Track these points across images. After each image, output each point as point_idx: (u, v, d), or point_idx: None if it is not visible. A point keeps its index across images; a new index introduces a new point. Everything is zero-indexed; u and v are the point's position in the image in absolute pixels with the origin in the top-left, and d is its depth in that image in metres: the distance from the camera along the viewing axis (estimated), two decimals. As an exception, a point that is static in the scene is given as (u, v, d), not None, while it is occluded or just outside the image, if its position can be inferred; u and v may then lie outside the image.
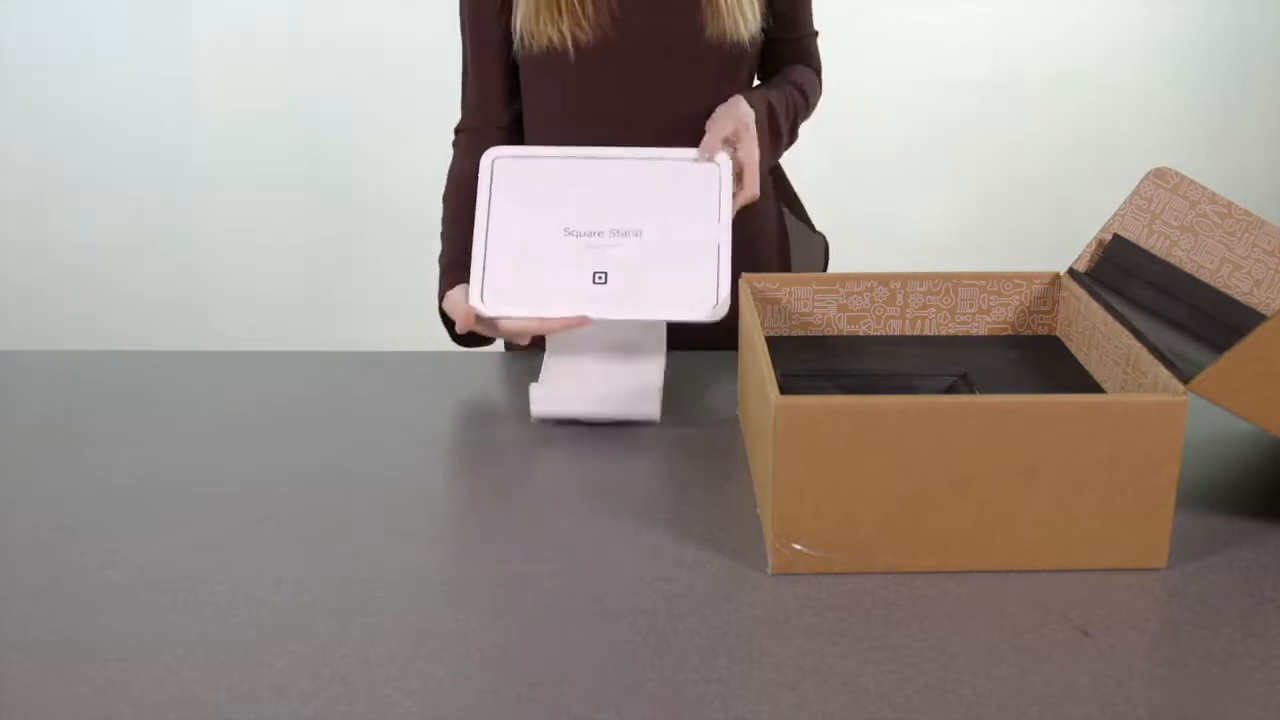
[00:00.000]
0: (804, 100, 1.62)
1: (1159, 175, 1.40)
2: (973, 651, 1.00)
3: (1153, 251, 1.39)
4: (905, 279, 1.44)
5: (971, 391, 1.32)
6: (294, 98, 3.26)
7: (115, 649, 1.00)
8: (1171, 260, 1.39)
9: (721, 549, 1.14)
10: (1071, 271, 1.42)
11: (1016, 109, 3.30)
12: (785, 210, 1.72)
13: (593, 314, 1.36)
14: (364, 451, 1.35)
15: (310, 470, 1.31)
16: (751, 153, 1.45)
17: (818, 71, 1.68)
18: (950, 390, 1.34)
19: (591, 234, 1.39)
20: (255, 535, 1.18)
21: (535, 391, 1.36)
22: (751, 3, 1.52)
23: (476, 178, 1.44)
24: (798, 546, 1.09)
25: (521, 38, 1.52)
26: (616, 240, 1.39)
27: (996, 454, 1.07)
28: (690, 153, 1.44)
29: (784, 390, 1.08)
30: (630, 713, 0.92)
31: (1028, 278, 1.44)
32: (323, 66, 3.24)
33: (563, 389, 1.36)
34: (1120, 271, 1.39)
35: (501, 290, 1.37)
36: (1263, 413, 1.10)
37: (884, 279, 1.43)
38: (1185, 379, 1.09)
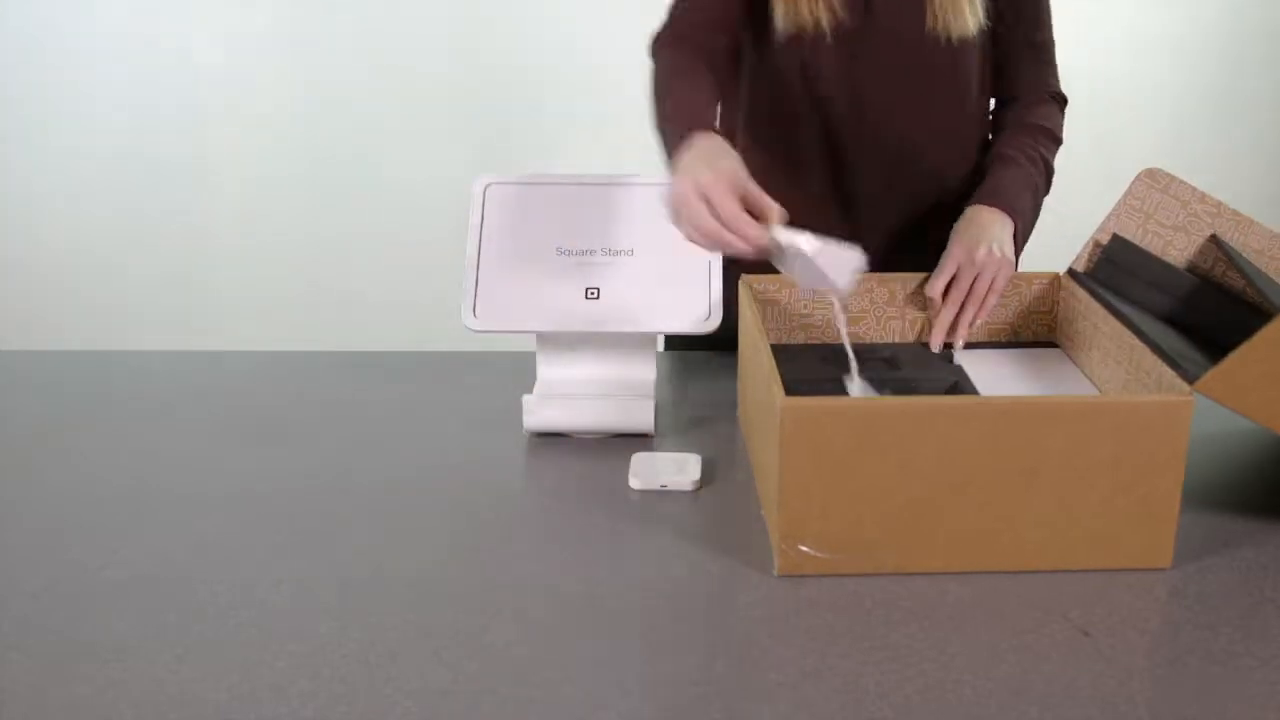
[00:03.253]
0: (1048, 162, 1.56)
1: (1150, 176, 1.40)
2: (973, 651, 1.00)
3: (1149, 251, 1.40)
4: (905, 280, 1.43)
5: (974, 392, 1.32)
6: (294, 98, 3.26)
7: (115, 649, 1.00)
8: (1167, 259, 1.39)
9: (721, 549, 1.14)
10: (1071, 272, 1.42)
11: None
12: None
13: (585, 328, 1.36)
14: (364, 451, 1.35)
15: (310, 470, 1.31)
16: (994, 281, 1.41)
17: (1057, 98, 1.61)
18: (952, 391, 1.34)
19: (583, 253, 1.40)
20: (255, 535, 1.18)
21: (528, 404, 1.36)
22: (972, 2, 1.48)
23: (693, 67, 1.43)
24: (804, 548, 1.09)
25: (781, 18, 1.48)
26: (608, 259, 1.39)
27: (1002, 455, 1.07)
28: None
29: (787, 394, 1.08)
30: (630, 713, 0.92)
31: (1027, 278, 1.44)
32: (323, 67, 3.24)
33: (555, 403, 1.37)
34: (1120, 271, 1.39)
35: (493, 306, 1.37)
36: (1267, 412, 1.10)
37: (884, 279, 1.43)
38: (1190, 379, 1.08)
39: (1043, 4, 1.59)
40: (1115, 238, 1.40)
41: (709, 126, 1.33)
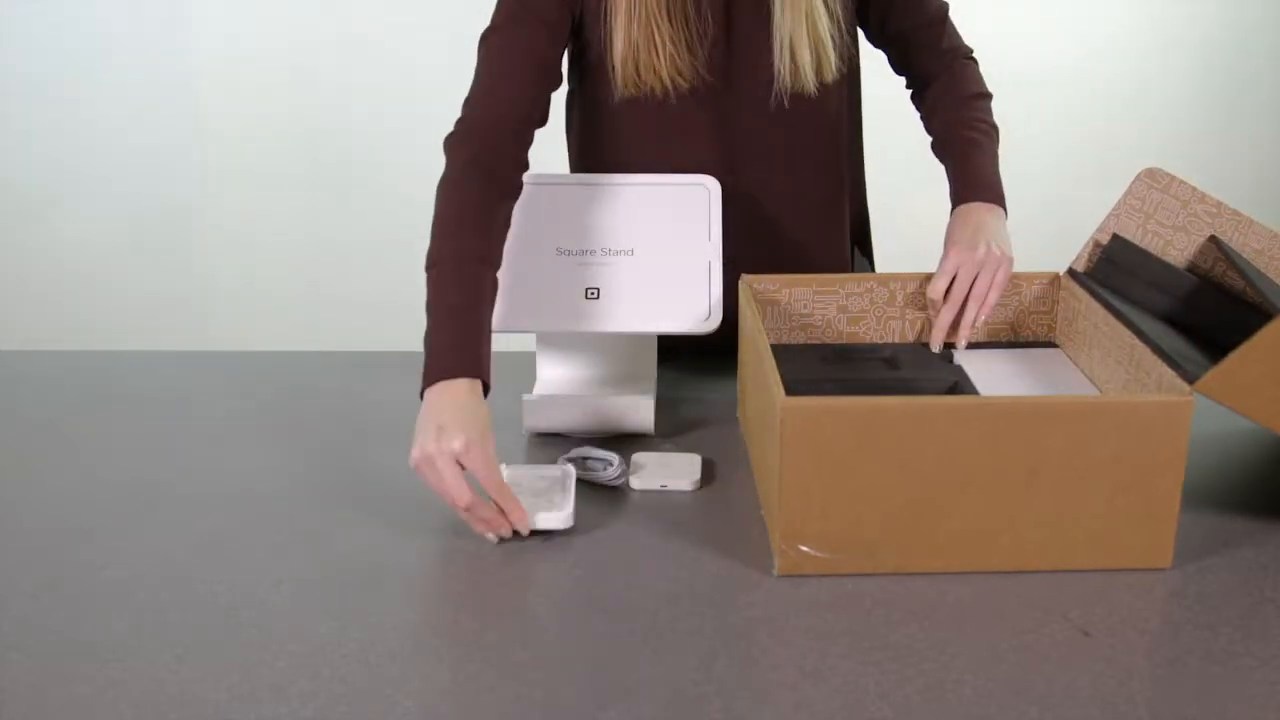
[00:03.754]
0: (995, 126, 1.54)
1: (1150, 176, 1.40)
2: (973, 651, 1.00)
3: (1149, 251, 1.40)
4: (905, 279, 1.43)
5: (974, 392, 1.32)
6: (294, 98, 3.26)
7: (115, 649, 1.00)
8: (1167, 259, 1.39)
9: (721, 549, 1.14)
10: (1071, 271, 1.42)
11: (1015, 109, 3.29)
12: (856, 249, 1.69)
13: (585, 328, 1.36)
14: (364, 451, 1.35)
15: (310, 470, 1.31)
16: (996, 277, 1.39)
17: (967, 56, 1.58)
18: (952, 391, 1.34)
19: (583, 253, 1.40)
20: (255, 535, 1.18)
21: (528, 404, 1.36)
22: (826, 46, 1.43)
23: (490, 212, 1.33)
24: (804, 548, 1.09)
25: (621, 76, 1.41)
26: (608, 259, 1.39)
27: (1002, 455, 1.07)
28: (679, 177, 1.44)
29: (787, 393, 1.08)
30: (630, 713, 0.92)
31: (1027, 278, 1.44)
32: (323, 67, 3.24)
33: (555, 403, 1.37)
34: (1120, 271, 1.39)
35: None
36: (1267, 412, 1.09)
37: (884, 279, 1.43)
38: (1191, 379, 1.08)
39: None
40: (1115, 238, 1.40)
41: (473, 370, 1.21)
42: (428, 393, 1.21)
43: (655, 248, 1.39)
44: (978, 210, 1.44)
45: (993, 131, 1.54)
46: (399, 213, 3.34)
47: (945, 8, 1.57)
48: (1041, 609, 1.05)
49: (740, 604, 1.06)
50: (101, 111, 3.26)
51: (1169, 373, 1.12)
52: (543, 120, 1.42)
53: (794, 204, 1.53)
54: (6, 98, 3.26)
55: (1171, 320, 1.34)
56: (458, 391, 1.19)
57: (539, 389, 1.41)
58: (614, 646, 1.00)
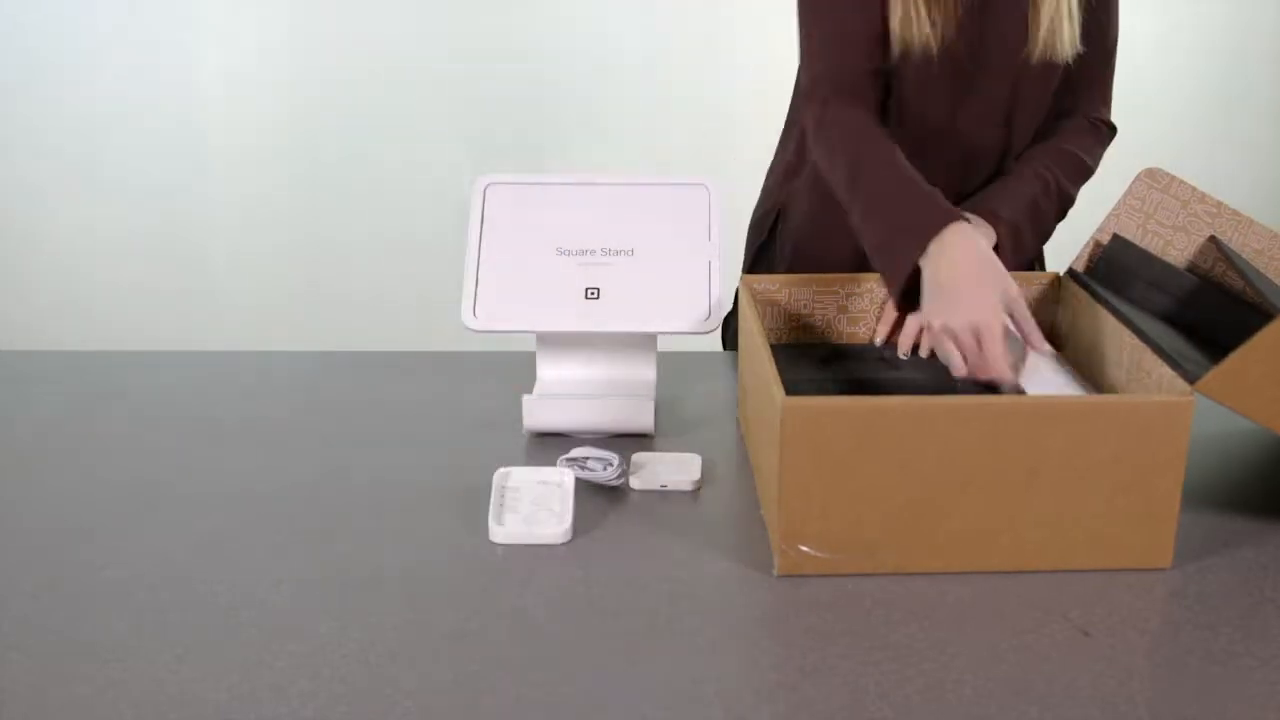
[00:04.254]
0: (1061, 186, 1.52)
1: (1150, 176, 1.40)
2: (973, 651, 1.00)
3: (1149, 251, 1.40)
4: (905, 279, 1.43)
5: (976, 392, 1.32)
6: (295, 99, 3.26)
7: (115, 649, 1.00)
8: (1167, 260, 1.39)
9: (721, 549, 1.14)
10: (1071, 272, 1.42)
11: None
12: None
13: (585, 328, 1.36)
14: (364, 451, 1.35)
15: (310, 470, 1.31)
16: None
17: (1109, 123, 1.60)
18: (953, 391, 1.34)
19: (583, 253, 1.40)
20: (255, 535, 1.18)
21: (528, 404, 1.36)
22: (1072, 23, 1.46)
23: (868, 131, 1.42)
24: (804, 548, 1.09)
25: (900, 35, 1.43)
26: (608, 259, 1.39)
27: (1002, 454, 1.07)
28: (679, 177, 1.44)
29: (787, 393, 1.08)
30: (630, 713, 0.92)
31: (1027, 278, 1.44)
32: (324, 68, 3.24)
33: (555, 403, 1.37)
34: (1120, 272, 1.39)
35: (492, 306, 1.37)
36: (1267, 413, 1.09)
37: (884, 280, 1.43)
38: (1191, 379, 1.08)
39: (1113, 27, 1.57)
40: (1115, 238, 1.40)
41: (954, 215, 1.31)
42: (932, 250, 1.29)
43: (655, 248, 1.39)
44: (959, 239, 1.33)
45: (1050, 184, 1.50)
46: (399, 213, 3.35)
47: (1113, 70, 1.60)
48: (1041, 609, 1.05)
49: (740, 604, 1.06)
50: (101, 112, 3.26)
51: (1169, 373, 1.12)
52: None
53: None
54: (6, 97, 3.26)
55: (1171, 320, 1.34)
56: (958, 244, 1.30)
57: (539, 389, 1.41)
58: (614, 646, 1.00)
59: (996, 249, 1.41)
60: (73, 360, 1.63)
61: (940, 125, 1.49)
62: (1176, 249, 1.40)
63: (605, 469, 1.26)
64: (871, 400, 1.07)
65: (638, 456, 1.30)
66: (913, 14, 1.41)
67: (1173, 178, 1.39)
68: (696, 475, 1.27)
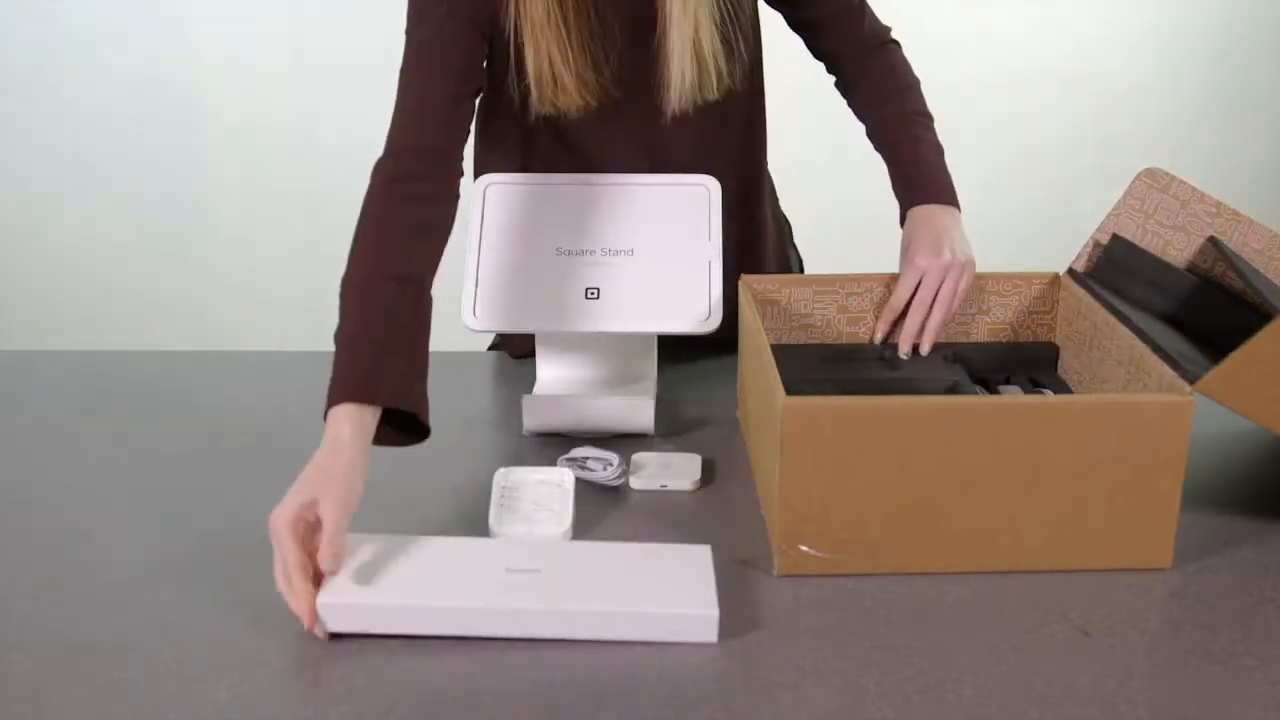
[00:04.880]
0: (929, 112, 1.52)
1: (1150, 175, 1.40)
2: (973, 651, 1.00)
3: (1148, 251, 1.40)
4: (906, 279, 1.43)
5: (974, 392, 1.32)
6: (296, 98, 3.27)
7: (115, 649, 1.00)
8: (1167, 259, 1.40)
9: (721, 549, 1.14)
10: (1071, 272, 1.42)
11: (1015, 109, 3.30)
12: (791, 250, 1.71)
13: (585, 328, 1.36)
14: (364, 451, 1.35)
15: (310, 470, 1.31)
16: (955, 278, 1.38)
17: (886, 39, 1.54)
18: (953, 391, 1.34)
19: (583, 253, 1.40)
20: (255, 535, 1.18)
21: (528, 404, 1.36)
22: (717, 57, 1.40)
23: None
24: (804, 548, 1.09)
25: (532, 97, 1.38)
26: (608, 258, 1.39)
27: (1002, 454, 1.07)
28: (679, 177, 1.44)
29: (787, 393, 1.08)
30: (630, 713, 0.92)
31: (1027, 278, 1.44)
32: (324, 69, 3.24)
33: (555, 403, 1.37)
34: (1120, 271, 1.39)
35: (493, 306, 1.37)
36: (1267, 413, 1.09)
37: (884, 280, 1.43)
38: (1191, 379, 1.08)
39: None
40: (1115, 238, 1.40)
41: (368, 398, 1.12)
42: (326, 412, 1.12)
43: (655, 248, 1.39)
44: (935, 214, 1.43)
45: (931, 123, 1.52)
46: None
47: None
48: (1041, 609, 1.05)
49: (740, 603, 1.06)
50: (102, 112, 3.26)
51: (1169, 373, 1.12)
52: (469, 117, 1.37)
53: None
54: (7, 97, 3.26)
55: (1171, 320, 1.34)
56: (337, 425, 1.10)
57: (539, 389, 1.41)
58: (614, 646, 1.00)
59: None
60: (73, 360, 1.63)
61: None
62: (1176, 249, 1.40)
63: (605, 469, 1.26)
64: (871, 400, 1.07)
65: (638, 456, 1.30)
66: (547, 79, 1.36)
67: (1172, 178, 1.39)
68: (696, 475, 1.27)
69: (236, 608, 1.06)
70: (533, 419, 1.37)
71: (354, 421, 1.11)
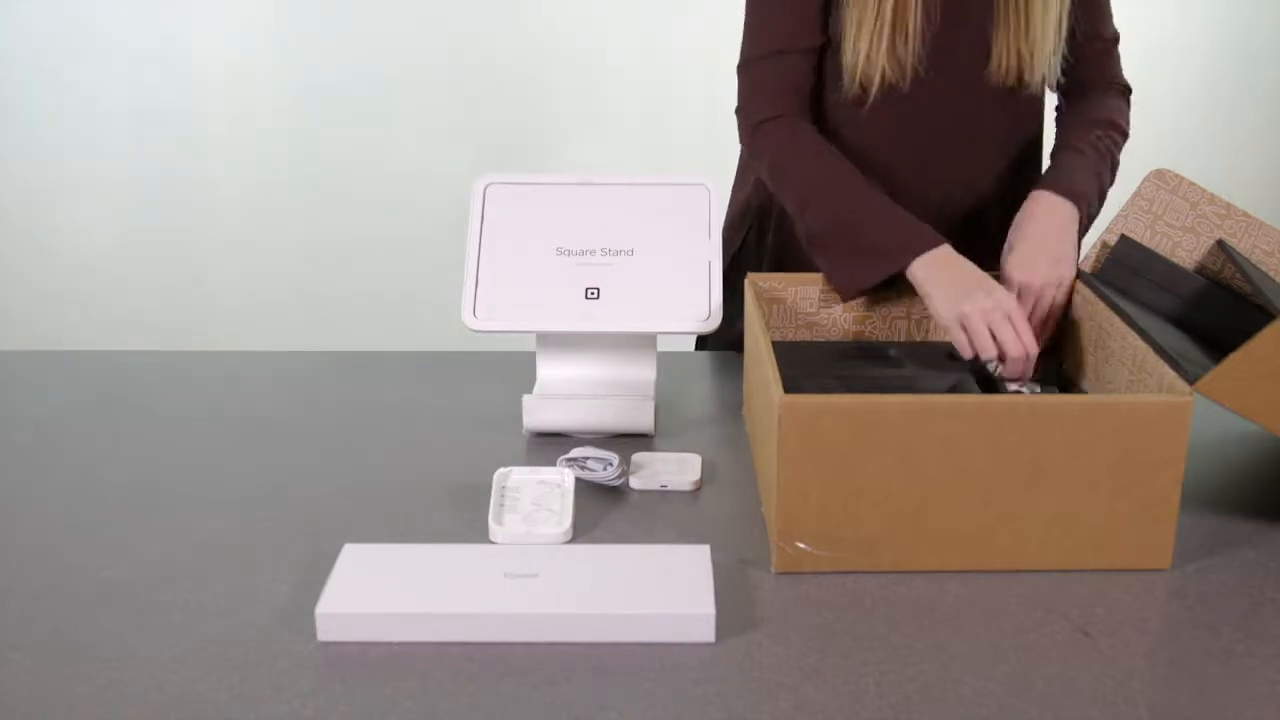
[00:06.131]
0: (1114, 154, 1.52)
1: (1159, 176, 1.39)
2: (973, 651, 1.00)
3: (1157, 252, 1.39)
4: (906, 279, 1.43)
5: (976, 392, 1.32)
6: (295, 98, 3.27)
7: (115, 649, 1.00)
8: (1175, 261, 1.39)
9: (721, 549, 1.14)
10: (1078, 272, 1.42)
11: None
12: None
13: (585, 328, 1.36)
14: (364, 451, 1.35)
15: (310, 470, 1.31)
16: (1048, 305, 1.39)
17: (1124, 90, 1.59)
18: (954, 390, 1.34)
19: (583, 252, 1.40)
20: (255, 535, 1.18)
21: (528, 404, 1.36)
22: (1052, 43, 1.45)
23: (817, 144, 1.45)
24: (802, 545, 1.09)
25: (858, 70, 1.44)
26: (608, 259, 1.39)
27: (1001, 454, 1.06)
28: (679, 176, 1.44)
29: (789, 391, 1.08)
30: (630, 713, 0.92)
31: (1028, 278, 1.44)
32: (324, 67, 3.24)
33: (555, 402, 1.37)
34: (1127, 272, 1.39)
35: (493, 306, 1.37)
36: (1267, 413, 1.09)
37: (890, 279, 1.43)
38: (1191, 380, 1.08)
39: (1103, 6, 1.55)
40: (1123, 238, 1.40)
41: (935, 239, 1.37)
42: (925, 263, 1.36)
43: (655, 248, 1.39)
44: (1045, 204, 1.42)
45: (1105, 154, 1.50)
46: (399, 213, 3.35)
47: (1117, 35, 1.58)
48: (1042, 609, 1.05)
49: (740, 603, 1.06)
50: (102, 111, 3.26)
51: (1170, 373, 1.12)
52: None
53: (1003, 198, 1.54)
54: (7, 97, 3.26)
55: (1179, 322, 1.34)
56: (952, 259, 1.36)
57: (539, 389, 1.41)
58: (614, 646, 1.00)
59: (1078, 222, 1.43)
60: (73, 360, 1.63)
61: (900, 168, 1.50)
62: (1185, 250, 1.40)
63: (605, 469, 1.26)
64: (869, 398, 1.07)
65: (638, 456, 1.30)
66: (873, 49, 1.42)
67: (1181, 179, 1.39)
68: (696, 475, 1.27)
69: (236, 608, 1.06)
70: (533, 419, 1.37)
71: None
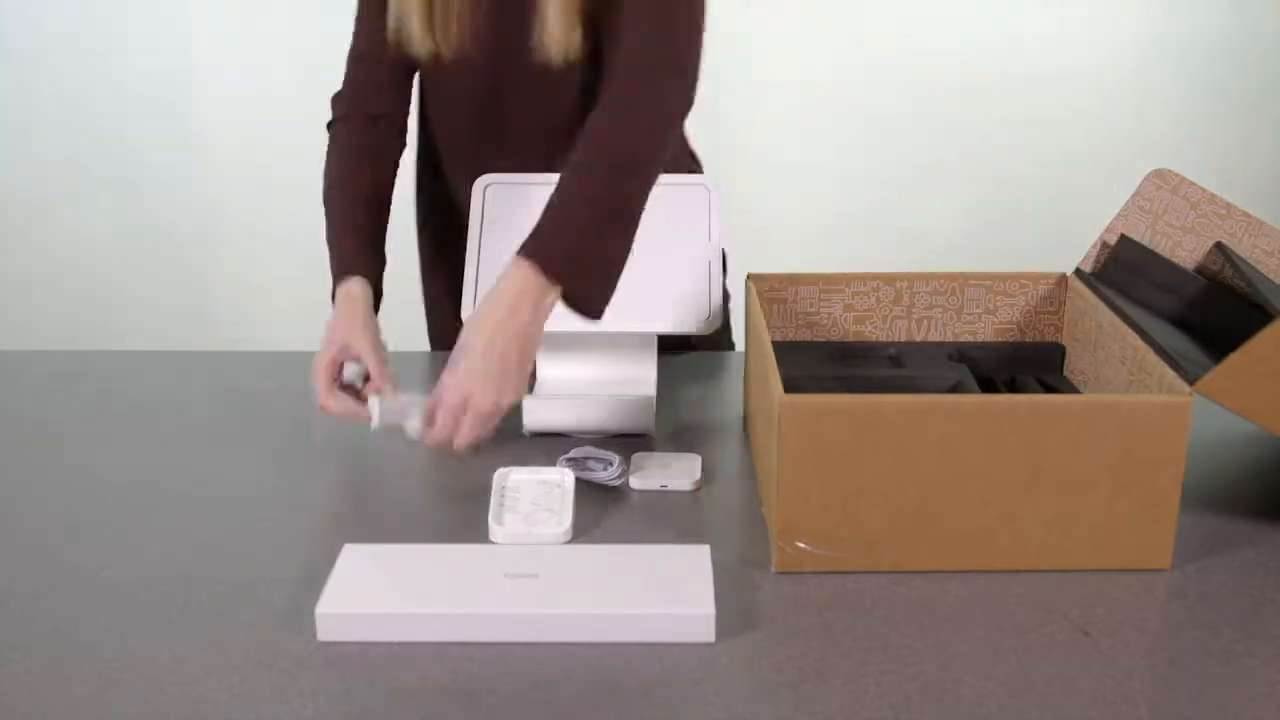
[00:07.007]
0: (627, 194, 1.27)
1: (1159, 176, 1.39)
2: (973, 651, 1.00)
3: (1157, 252, 1.39)
4: (911, 279, 1.43)
5: (977, 392, 1.32)
6: (295, 97, 3.27)
7: (115, 649, 1.00)
8: (1175, 261, 1.39)
9: (721, 549, 1.14)
10: (1078, 272, 1.42)
11: (1018, 109, 3.30)
12: None
13: (584, 328, 1.36)
14: (364, 451, 1.35)
15: (310, 470, 1.31)
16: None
17: (653, 67, 1.35)
18: (955, 390, 1.34)
19: None
20: (255, 535, 1.18)
21: (528, 404, 1.36)
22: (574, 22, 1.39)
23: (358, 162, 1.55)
24: (802, 545, 1.09)
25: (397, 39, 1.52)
26: None
27: (1001, 454, 1.06)
28: (679, 177, 1.44)
29: (789, 390, 1.08)
30: (630, 713, 0.92)
31: (1034, 278, 1.44)
32: (325, 69, 3.24)
33: (555, 403, 1.36)
34: (1127, 272, 1.39)
35: None
36: (1268, 413, 1.09)
37: (890, 279, 1.43)
38: (1191, 380, 1.08)
39: None
40: (1123, 238, 1.40)
41: (354, 270, 1.43)
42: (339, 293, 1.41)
43: (655, 248, 1.39)
44: (514, 285, 1.22)
45: (620, 210, 1.27)
46: (398, 213, 3.35)
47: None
48: (1042, 609, 1.05)
49: (740, 603, 1.06)
50: (101, 111, 3.27)
51: (1169, 373, 1.12)
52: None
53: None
54: (7, 97, 3.26)
55: (1180, 322, 1.34)
56: (347, 297, 1.40)
57: (539, 389, 1.41)
58: (614, 647, 1.00)
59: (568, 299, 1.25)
60: (73, 360, 1.63)
61: (473, 127, 1.56)
62: (1185, 250, 1.40)
63: (605, 469, 1.26)
64: (869, 398, 1.07)
65: (638, 456, 1.30)
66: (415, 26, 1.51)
67: (1182, 179, 1.39)
68: (696, 475, 1.27)
69: (236, 608, 1.06)
70: (533, 419, 1.37)
71: (358, 284, 1.41)
